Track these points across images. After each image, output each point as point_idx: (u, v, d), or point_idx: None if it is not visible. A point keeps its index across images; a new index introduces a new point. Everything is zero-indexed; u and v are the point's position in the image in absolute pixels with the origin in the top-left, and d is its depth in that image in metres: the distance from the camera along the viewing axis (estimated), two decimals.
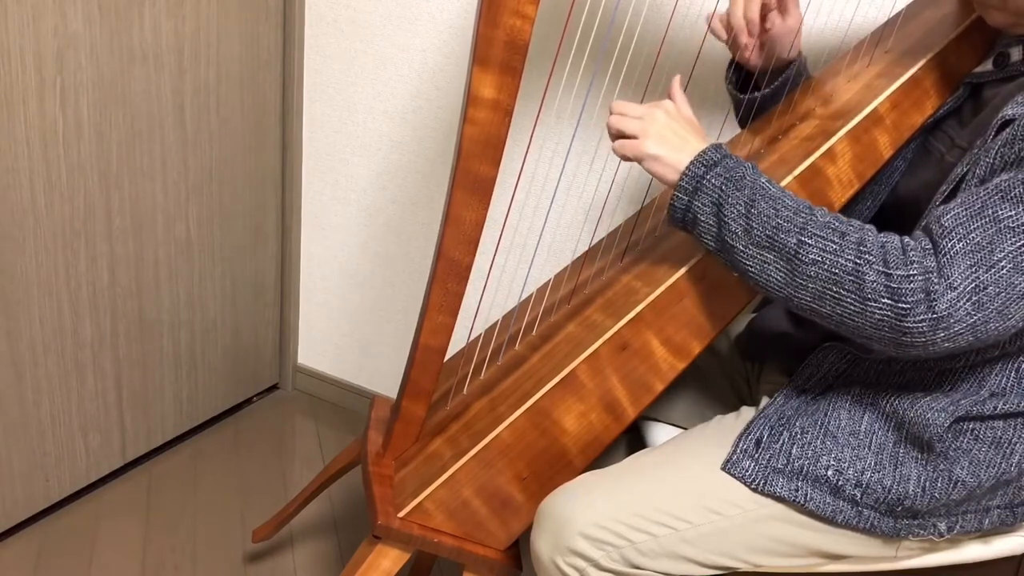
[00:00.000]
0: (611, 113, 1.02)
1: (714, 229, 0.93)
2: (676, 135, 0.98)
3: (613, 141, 1.02)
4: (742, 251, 0.90)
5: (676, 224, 0.98)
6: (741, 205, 0.91)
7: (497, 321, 1.29)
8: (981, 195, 0.83)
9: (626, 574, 0.96)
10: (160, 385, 1.78)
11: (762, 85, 1.19)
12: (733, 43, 1.16)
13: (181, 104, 1.61)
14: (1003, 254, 0.81)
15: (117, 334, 1.65)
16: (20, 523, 1.60)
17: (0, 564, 1.52)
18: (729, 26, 1.15)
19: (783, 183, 1.01)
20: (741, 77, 1.23)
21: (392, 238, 1.88)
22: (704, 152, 0.95)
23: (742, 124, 1.25)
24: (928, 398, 0.93)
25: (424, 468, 1.08)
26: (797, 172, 1.02)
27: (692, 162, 0.95)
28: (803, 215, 0.88)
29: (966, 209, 0.83)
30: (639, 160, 0.99)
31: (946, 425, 0.92)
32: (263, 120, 1.81)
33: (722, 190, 0.92)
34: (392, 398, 1.25)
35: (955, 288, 0.80)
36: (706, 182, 0.93)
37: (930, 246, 0.83)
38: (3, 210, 1.38)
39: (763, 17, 1.13)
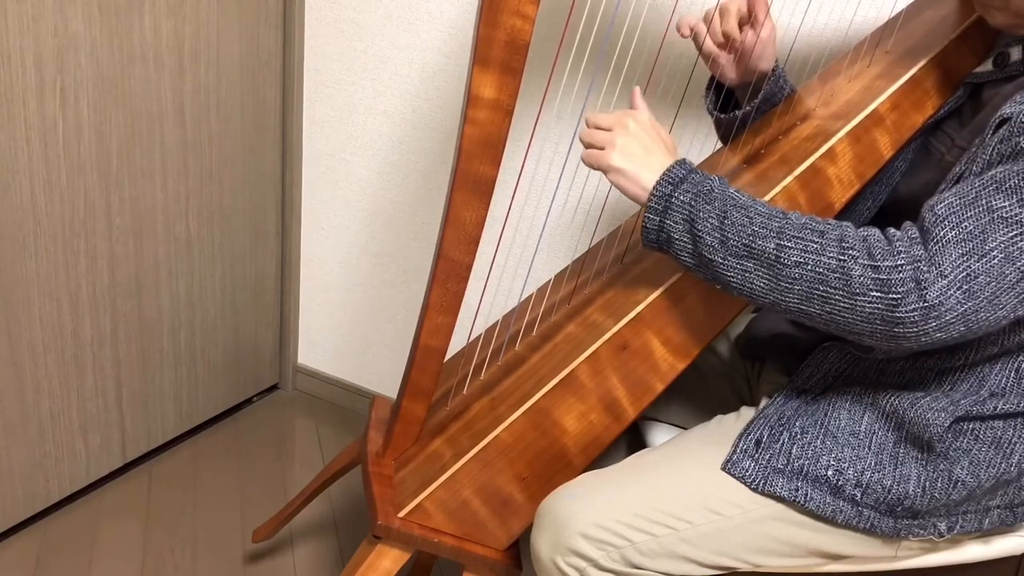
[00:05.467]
0: (586, 126, 1.01)
1: (689, 246, 0.93)
2: (643, 148, 0.97)
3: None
4: (721, 263, 0.90)
5: (651, 245, 0.97)
6: (714, 218, 0.90)
7: (497, 321, 1.29)
8: (975, 185, 0.83)
9: (626, 574, 0.96)
10: (160, 385, 1.78)
11: (743, 102, 1.19)
12: (712, 61, 1.15)
13: (181, 104, 1.61)
14: (995, 244, 0.80)
15: (117, 334, 1.65)
16: (20, 523, 1.60)
17: (0, 564, 1.52)
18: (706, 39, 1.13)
19: (783, 183, 1.01)
20: (720, 96, 1.22)
21: (392, 238, 1.88)
22: (669, 170, 0.95)
23: (724, 141, 1.24)
24: (928, 398, 0.93)
25: (424, 468, 1.08)
26: (797, 172, 1.02)
27: (659, 182, 0.94)
28: (778, 220, 0.88)
29: (960, 199, 0.83)
30: (603, 172, 0.99)
31: (946, 425, 0.92)
32: (263, 120, 1.81)
33: (692, 205, 0.92)
34: (392, 398, 1.25)
35: (946, 276, 0.80)
36: (675, 200, 0.93)
37: (917, 235, 0.83)
38: (3, 210, 1.38)
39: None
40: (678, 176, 0.94)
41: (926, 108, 1.08)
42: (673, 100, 1.48)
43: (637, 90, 1.04)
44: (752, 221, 0.89)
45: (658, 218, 0.94)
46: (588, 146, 1.00)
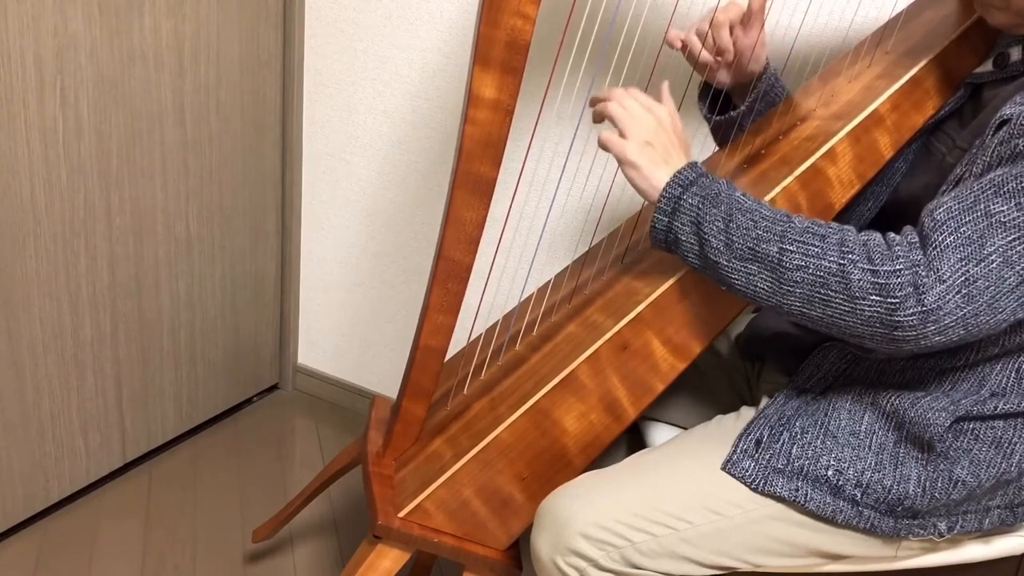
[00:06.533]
0: (609, 99, 1.01)
1: (696, 247, 0.94)
2: (661, 146, 0.98)
3: (603, 128, 1.01)
4: (726, 266, 0.91)
5: (659, 245, 0.98)
6: (719, 221, 0.91)
7: (497, 321, 1.29)
8: (974, 189, 0.84)
9: (626, 574, 0.96)
10: (160, 385, 1.78)
11: (737, 102, 1.19)
12: (700, 65, 1.16)
13: (181, 104, 1.61)
14: (993, 248, 0.81)
15: (117, 334, 1.65)
16: (20, 523, 1.60)
17: (0, 564, 1.52)
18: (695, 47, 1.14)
19: (784, 184, 1.01)
20: (718, 99, 1.23)
21: (392, 238, 1.88)
22: (680, 172, 0.96)
23: (721, 145, 1.24)
24: (928, 398, 0.93)
25: (424, 468, 1.08)
26: (798, 173, 1.02)
27: (669, 183, 0.95)
28: (781, 224, 0.89)
29: (959, 203, 0.83)
30: (617, 160, 0.99)
31: (946, 425, 0.92)
32: (263, 120, 1.81)
33: (700, 209, 0.93)
34: (392, 398, 1.25)
35: (944, 281, 0.81)
36: (684, 202, 0.94)
37: (916, 240, 0.84)
38: (3, 210, 1.38)
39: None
40: (688, 179, 0.95)
41: (926, 108, 1.08)
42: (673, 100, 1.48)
43: (666, 85, 1.05)
44: (756, 225, 0.89)
45: (667, 219, 0.96)
46: (613, 119, 1.00)
